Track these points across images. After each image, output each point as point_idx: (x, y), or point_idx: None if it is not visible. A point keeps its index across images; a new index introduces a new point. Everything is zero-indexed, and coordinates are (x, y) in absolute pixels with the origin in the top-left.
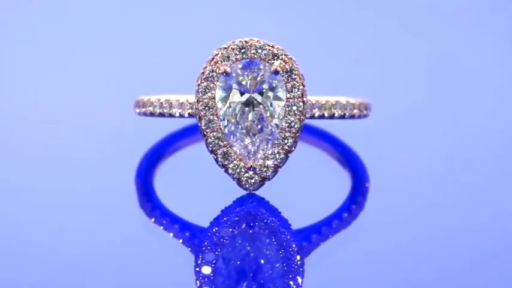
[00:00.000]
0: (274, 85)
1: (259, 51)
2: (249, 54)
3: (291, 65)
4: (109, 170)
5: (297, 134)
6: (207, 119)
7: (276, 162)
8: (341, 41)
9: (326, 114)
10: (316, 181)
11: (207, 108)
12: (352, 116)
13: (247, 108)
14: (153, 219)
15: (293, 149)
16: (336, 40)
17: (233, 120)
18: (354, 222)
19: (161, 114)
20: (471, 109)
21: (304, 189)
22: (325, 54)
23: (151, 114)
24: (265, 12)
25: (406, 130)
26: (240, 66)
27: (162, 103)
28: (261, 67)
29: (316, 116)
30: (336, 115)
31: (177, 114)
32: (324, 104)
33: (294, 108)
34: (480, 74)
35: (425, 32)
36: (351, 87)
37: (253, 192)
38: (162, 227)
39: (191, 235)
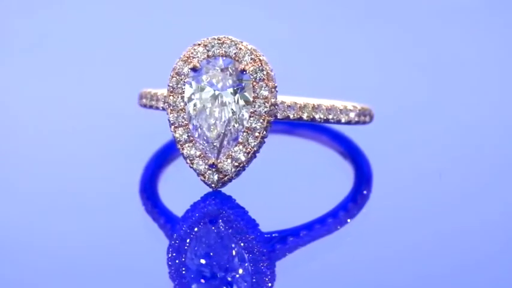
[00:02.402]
0: (242, 84)
1: (230, 49)
2: (220, 52)
3: (259, 64)
4: (118, 163)
5: (262, 134)
6: (175, 113)
7: (239, 161)
8: (346, 44)
9: (304, 117)
10: (315, 181)
11: (175, 103)
12: (338, 121)
13: (214, 105)
14: (147, 211)
15: (256, 148)
16: (342, 44)
17: (200, 117)
18: (341, 228)
19: (150, 107)
20: (472, 110)
21: (302, 189)
22: (326, 56)
23: (145, 106)
24: (267, 12)
25: (407, 132)
26: (210, 63)
27: (151, 95)
28: (231, 65)
29: (291, 118)
30: (316, 118)
31: (161, 107)
32: (303, 106)
33: (260, 108)
34: (481, 74)
35: (426, 32)
36: (352, 91)
37: (217, 189)
38: (151, 218)
39: (172, 227)
